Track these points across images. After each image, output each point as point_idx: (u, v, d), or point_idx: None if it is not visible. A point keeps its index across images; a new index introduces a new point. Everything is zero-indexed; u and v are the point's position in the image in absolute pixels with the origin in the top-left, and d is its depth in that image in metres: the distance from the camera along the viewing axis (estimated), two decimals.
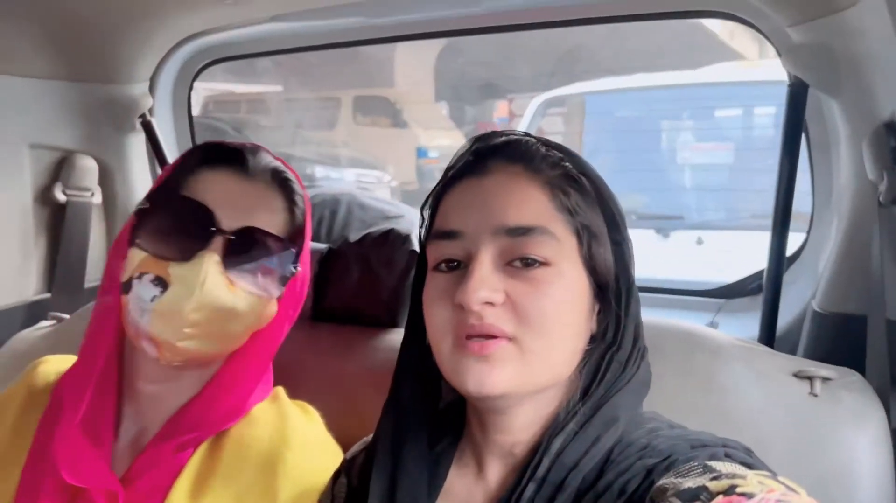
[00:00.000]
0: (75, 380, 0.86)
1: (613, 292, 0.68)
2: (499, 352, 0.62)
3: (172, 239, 0.81)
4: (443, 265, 0.67)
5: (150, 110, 1.54)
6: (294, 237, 0.88)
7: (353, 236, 1.20)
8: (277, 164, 0.90)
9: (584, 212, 0.66)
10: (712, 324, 1.35)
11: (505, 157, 0.68)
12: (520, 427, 0.67)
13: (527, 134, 0.72)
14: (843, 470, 0.82)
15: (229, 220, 0.81)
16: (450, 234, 0.66)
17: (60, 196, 1.46)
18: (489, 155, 0.69)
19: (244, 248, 0.82)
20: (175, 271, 0.79)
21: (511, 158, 0.68)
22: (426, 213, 0.72)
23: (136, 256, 0.81)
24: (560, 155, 0.69)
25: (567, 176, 0.67)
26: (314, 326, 1.17)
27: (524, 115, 3.96)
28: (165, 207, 0.84)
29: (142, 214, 0.84)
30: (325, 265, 1.18)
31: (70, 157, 1.46)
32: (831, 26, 0.93)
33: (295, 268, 0.87)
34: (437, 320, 0.66)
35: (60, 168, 1.46)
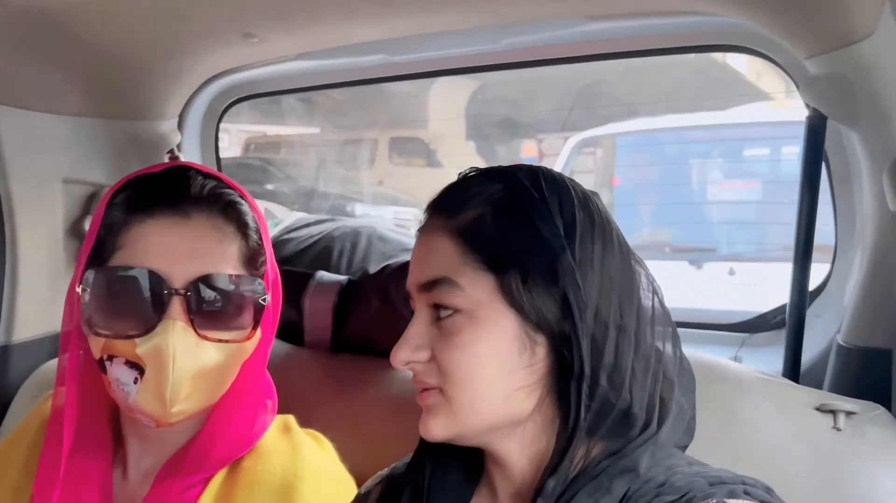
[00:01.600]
0: (47, 460, 0.82)
1: (558, 320, 0.62)
2: (431, 401, 0.65)
3: (127, 316, 0.76)
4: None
5: (179, 146, 1.58)
6: (254, 261, 0.83)
7: (373, 268, 1.21)
8: (213, 184, 0.82)
9: (505, 242, 0.63)
10: (736, 359, 1.33)
11: (434, 211, 0.69)
12: (515, 467, 0.67)
13: (473, 169, 0.70)
14: None
15: (180, 276, 0.77)
16: (407, 295, 0.69)
17: None
18: (430, 210, 0.70)
19: (205, 299, 0.78)
20: (143, 352, 0.75)
21: (437, 211, 0.69)
22: None
23: (97, 340, 0.78)
24: (484, 184, 0.67)
25: (486, 207, 0.65)
26: (333, 356, 1.17)
27: (560, 155, 4.03)
28: (106, 285, 0.78)
29: (87, 298, 0.78)
30: (345, 296, 1.19)
31: (101, 192, 1.50)
32: (848, 58, 0.93)
33: (265, 299, 0.82)
34: None
35: (91, 202, 1.50)
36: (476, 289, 0.63)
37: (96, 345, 0.79)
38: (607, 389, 0.62)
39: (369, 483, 0.81)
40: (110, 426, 0.87)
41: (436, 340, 0.65)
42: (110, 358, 0.77)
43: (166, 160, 1.57)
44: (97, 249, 0.80)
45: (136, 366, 0.76)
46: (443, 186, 0.71)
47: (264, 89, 1.66)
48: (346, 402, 1.09)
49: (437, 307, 0.65)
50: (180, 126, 1.61)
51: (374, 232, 1.29)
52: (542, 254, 0.62)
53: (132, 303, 0.76)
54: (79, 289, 0.79)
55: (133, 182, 0.83)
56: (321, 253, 1.27)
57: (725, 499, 0.56)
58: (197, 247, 0.79)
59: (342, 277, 1.21)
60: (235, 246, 0.82)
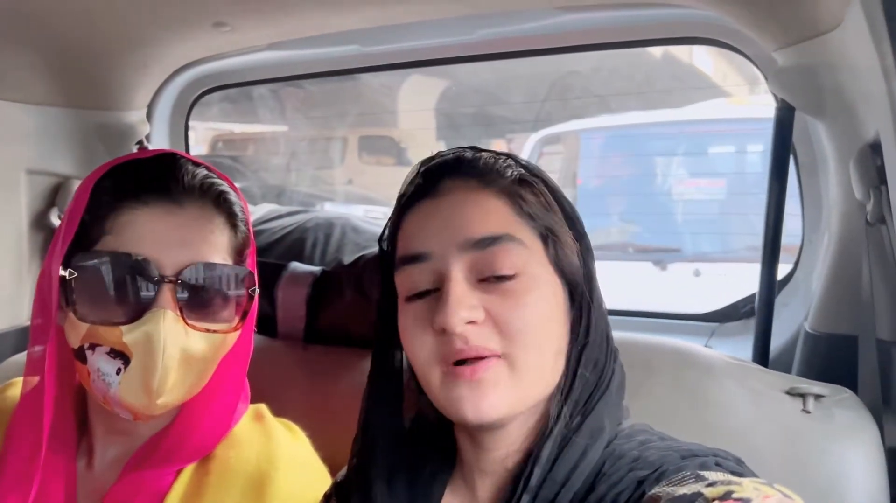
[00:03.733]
0: (18, 462, 0.79)
1: (580, 290, 0.67)
2: (490, 373, 0.61)
3: (115, 302, 0.75)
4: (414, 296, 0.66)
5: (148, 137, 1.56)
6: (242, 252, 0.83)
7: (347, 259, 1.21)
8: (204, 174, 0.82)
9: (544, 215, 0.66)
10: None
11: (457, 175, 0.68)
12: (513, 439, 0.66)
13: (473, 148, 0.71)
14: (835, 486, 0.82)
15: (171, 263, 0.75)
16: (416, 258, 0.65)
17: (56, 221, 1.46)
18: (441, 175, 0.68)
19: (195, 288, 0.77)
20: (131, 339, 0.73)
21: (463, 174, 0.68)
22: (385, 245, 0.72)
23: (80, 326, 0.75)
24: (511, 162, 0.69)
25: (522, 182, 0.67)
26: (306, 348, 1.17)
27: (522, 152, 4.00)
28: (96, 270, 0.75)
29: (70, 281, 0.76)
30: (319, 287, 1.18)
31: (66, 183, 1.47)
32: (815, 49, 0.95)
33: (253, 290, 0.82)
34: (421, 350, 0.64)
35: (56, 193, 1.47)
36: (534, 250, 0.65)
37: (76, 334, 0.77)
38: (596, 356, 0.66)
39: (344, 471, 0.80)
40: (75, 416, 0.85)
41: (490, 301, 0.62)
42: (92, 346, 0.75)
43: (135, 151, 1.54)
44: (80, 234, 0.78)
45: (121, 356, 0.74)
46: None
47: (236, 79, 1.64)
48: (320, 394, 1.08)
49: (490, 273, 0.63)
50: (149, 117, 1.58)
51: (348, 223, 1.28)
52: (570, 229, 0.67)
53: (120, 290, 0.74)
54: (64, 273, 0.76)
55: (121, 167, 0.81)
56: (294, 244, 1.26)
57: (698, 471, 0.56)
58: (188, 235, 0.78)
59: (316, 268, 1.20)
60: (225, 236, 0.81)
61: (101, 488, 0.81)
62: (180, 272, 0.75)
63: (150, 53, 1.36)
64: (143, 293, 0.75)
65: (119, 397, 0.75)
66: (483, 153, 0.70)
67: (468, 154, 0.70)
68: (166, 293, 0.75)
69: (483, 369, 0.61)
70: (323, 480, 0.84)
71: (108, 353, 0.75)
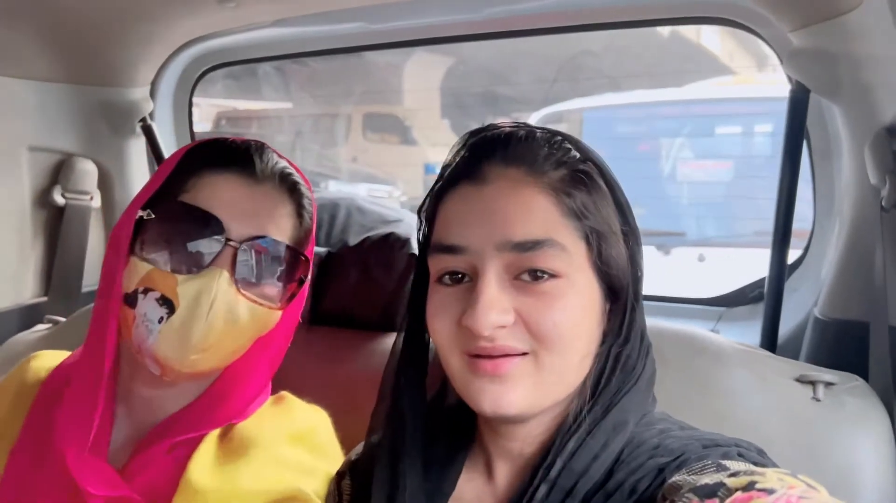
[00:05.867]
0: (81, 393, 0.81)
1: (625, 290, 0.65)
2: (513, 370, 0.60)
3: (179, 251, 0.77)
4: (446, 277, 0.64)
5: (151, 114, 1.54)
6: (302, 243, 0.86)
7: (353, 240, 1.19)
8: (285, 164, 0.86)
9: (593, 212, 0.63)
10: (713, 333, 1.34)
11: (504, 160, 0.64)
12: (532, 431, 0.66)
13: (527, 125, 0.68)
14: (846, 474, 0.81)
15: (238, 229, 0.78)
16: (452, 249, 0.63)
17: (59, 199, 1.45)
18: (486, 156, 0.65)
19: (254, 258, 0.79)
20: (183, 290, 0.76)
21: (510, 161, 0.64)
22: (423, 216, 0.70)
23: (140, 268, 0.78)
24: (564, 148, 0.66)
25: (573, 174, 0.64)
26: (311, 330, 1.16)
27: None
28: (170, 216, 0.79)
29: (144, 223, 0.80)
30: (324, 269, 1.17)
31: (69, 160, 1.46)
32: (833, 30, 0.93)
33: (304, 277, 0.84)
34: (443, 336, 0.64)
35: (59, 171, 1.45)
36: (576, 254, 0.62)
37: (135, 276, 0.78)
38: (630, 352, 0.65)
39: (358, 449, 0.79)
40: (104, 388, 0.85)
41: (522, 302, 0.61)
42: (146, 291, 0.77)
43: (138, 129, 1.53)
44: (162, 189, 0.82)
45: (168, 303, 0.76)
46: (484, 130, 0.68)
47: (240, 57, 1.62)
48: (327, 376, 1.08)
49: (527, 269, 0.61)
50: (152, 94, 1.57)
51: (353, 203, 1.27)
52: (621, 229, 0.65)
53: (187, 241, 0.78)
54: (143, 213, 0.80)
55: (213, 141, 0.86)
56: None
57: (720, 460, 0.56)
58: (260, 209, 0.81)
59: (321, 250, 1.19)
60: (291, 223, 0.84)
61: (122, 463, 0.82)
62: (245, 240, 0.78)
63: (154, 29, 1.34)
64: (207, 250, 0.77)
65: (155, 347, 0.77)
66: (537, 132, 0.66)
67: (521, 133, 0.66)
68: (228, 255, 0.77)
69: (506, 366, 0.60)
70: (336, 457, 0.85)
71: (158, 300, 0.77)
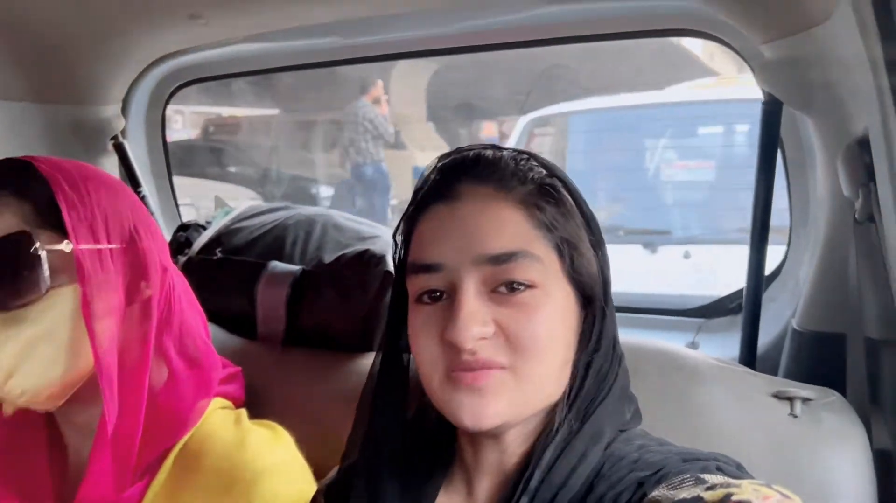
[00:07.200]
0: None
1: (596, 299, 0.67)
2: (492, 382, 0.61)
3: None
4: (425, 296, 0.65)
5: (123, 132, 1.52)
6: (40, 222, 0.77)
7: (328, 257, 1.18)
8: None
9: (562, 223, 0.65)
10: (692, 345, 1.34)
11: (474, 178, 0.66)
12: (512, 443, 0.66)
13: (494, 146, 0.70)
14: (824, 490, 0.81)
15: None
16: (429, 268, 0.64)
17: None
18: (457, 175, 0.67)
19: None
20: None
21: (481, 179, 0.66)
22: (399, 239, 0.71)
23: None
24: (531, 165, 0.67)
25: (541, 188, 0.66)
26: (285, 351, 1.14)
27: (511, 135, 3.99)
28: None
29: None
30: (298, 287, 1.15)
31: None
32: (803, 43, 0.93)
33: (67, 243, 0.76)
34: (426, 355, 0.64)
35: None
36: (549, 264, 0.64)
37: None
38: (602, 361, 0.66)
39: (332, 475, 0.79)
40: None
41: (502, 315, 0.62)
42: None
43: (109, 147, 1.51)
44: None
45: None
46: (453, 153, 0.70)
47: (213, 72, 1.60)
48: (302, 397, 1.06)
49: (504, 282, 0.62)
50: (124, 111, 1.55)
51: (329, 220, 1.25)
52: (589, 239, 0.67)
53: None
54: None
55: None
56: (274, 242, 1.23)
57: (699, 474, 0.56)
58: None
59: (295, 268, 1.17)
60: (13, 208, 0.77)
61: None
62: None
63: (124, 46, 1.33)
64: None
65: None
66: (504, 153, 0.68)
67: (488, 153, 0.68)
68: None
69: (485, 377, 0.61)
70: (305, 481, 0.84)
71: None
